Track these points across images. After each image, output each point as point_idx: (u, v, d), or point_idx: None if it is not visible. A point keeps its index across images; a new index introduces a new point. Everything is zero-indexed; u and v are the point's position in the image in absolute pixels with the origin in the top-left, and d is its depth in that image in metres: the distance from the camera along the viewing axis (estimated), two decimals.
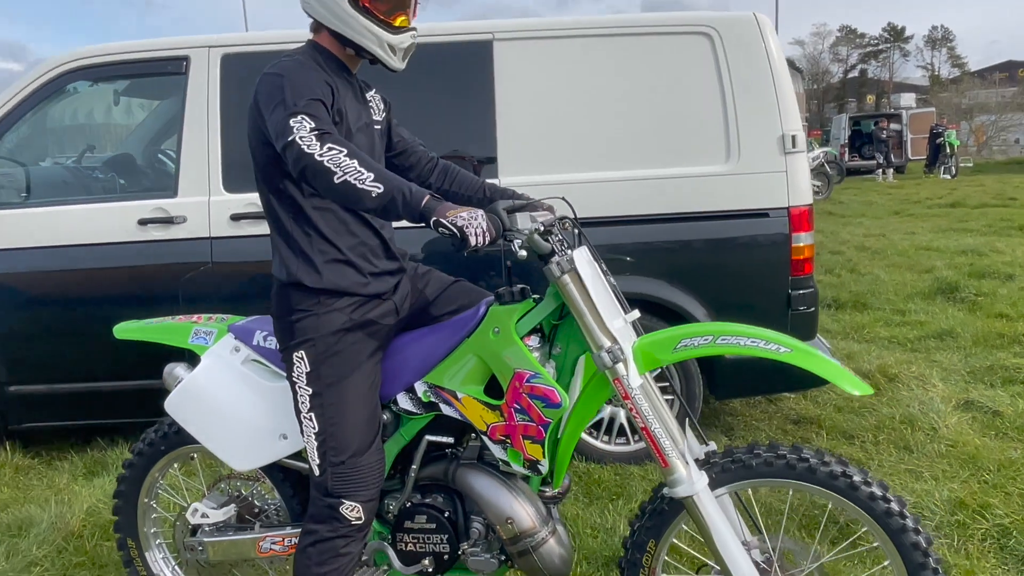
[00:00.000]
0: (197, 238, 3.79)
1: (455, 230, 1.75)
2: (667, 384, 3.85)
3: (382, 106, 2.34)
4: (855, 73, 79.71)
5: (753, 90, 3.78)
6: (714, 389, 3.99)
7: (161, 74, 3.91)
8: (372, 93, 2.32)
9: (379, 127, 2.28)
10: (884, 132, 24.28)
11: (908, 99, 34.08)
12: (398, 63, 2.13)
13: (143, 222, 3.80)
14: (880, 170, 23.64)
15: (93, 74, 3.90)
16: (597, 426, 3.92)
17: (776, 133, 3.76)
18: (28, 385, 3.94)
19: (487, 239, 1.79)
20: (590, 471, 3.72)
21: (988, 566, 2.80)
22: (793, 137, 3.76)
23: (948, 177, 22.78)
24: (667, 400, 2.17)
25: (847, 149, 26.16)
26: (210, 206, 3.78)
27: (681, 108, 3.81)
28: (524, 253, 1.85)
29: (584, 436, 3.87)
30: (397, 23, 2.09)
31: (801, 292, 3.81)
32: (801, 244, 3.79)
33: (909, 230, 11.86)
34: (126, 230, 3.81)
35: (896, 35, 78.38)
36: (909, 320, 6.29)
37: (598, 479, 3.65)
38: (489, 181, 2.51)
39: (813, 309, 3.87)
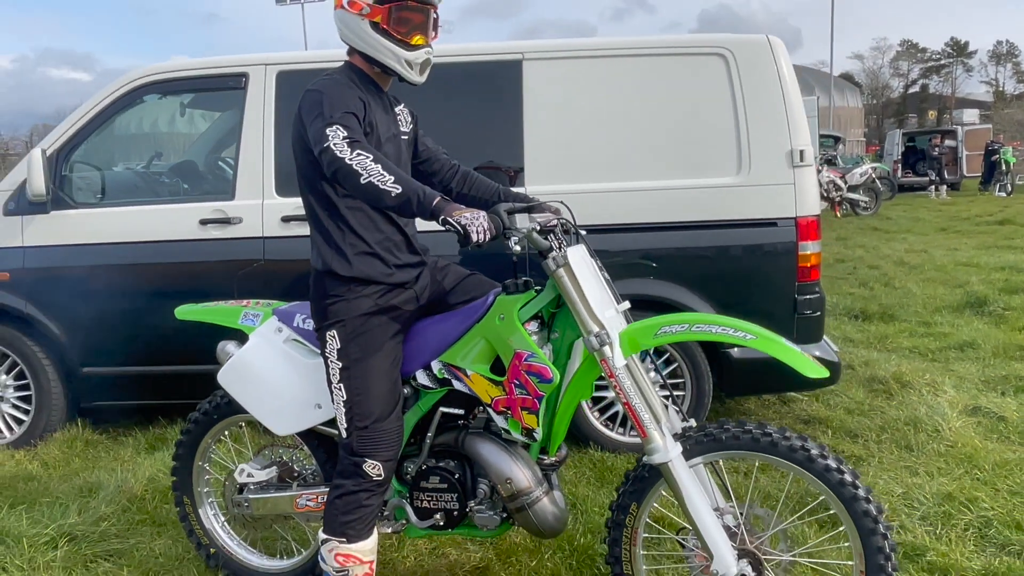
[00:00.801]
0: (251, 237, 4.19)
1: (459, 227, 2.07)
2: (680, 381, 4.14)
3: (409, 119, 2.68)
4: (916, 88, 78.42)
5: (764, 107, 4.04)
6: (724, 387, 4.24)
7: (222, 89, 4.34)
8: (400, 107, 2.65)
9: (406, 137, 2.61)
10: (937, 149, 24.01)
11: (971, 115, 33.48)
12: (416, 76, 2.46)
13: (204, 222, 4.20)
14: (933, 187, 23.38)
15: (162, 88, 4.34)
16: (613, 418, 4.20)
17: (785, 148, 4.01)
18: (99, 367, 4.37)
19: (487, 236, 2.10)
20: (604, 459, 4.00)
21: (965, 551, 3.00)
22: (801, 152, 4.01)
23: (1003, 195, 22.44)
24: (662, 394, 2.47)
25: (900, 165, 25.90)
26: (263, 208, 4.17)
27: (697, 123, 4.09)
28: (519, 249, 2.16)
29: (600, 427, 4.16)
30: (413, 42, 2.42)
31: (807, 297, 4.05)
32: (808, 252, 4.03)
33: (952, 246, 11.86)
34: (188, 229, 4.22)
35: (959, 50, 76.93)
36: (933, 332, 6.43)
37: (611, 466, 3.93)
38: (504, 187, 2.81)
39: (819, 314, 4.10)
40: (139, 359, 4.32)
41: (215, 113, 5.13)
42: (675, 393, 4.10)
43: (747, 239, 4.07)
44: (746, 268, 4.08)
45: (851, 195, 17.87)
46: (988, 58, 76.24)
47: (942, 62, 77.89)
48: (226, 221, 4.19)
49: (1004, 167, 23.14)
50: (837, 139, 26.32)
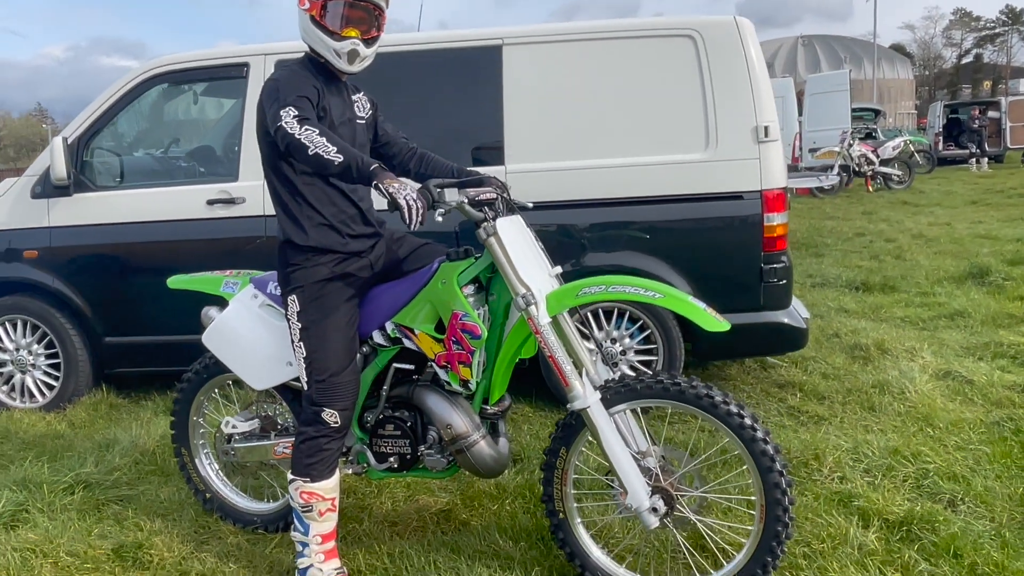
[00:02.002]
0: (254, 216, 4.52)
1: (388, 196, 2.35)
2: (653, 347, 4.38)
3: (368, 106, 2.95)
4: (969, 58, 76.37)
5: (731, 86, 4.24)
6: (697, 352, 4.48)
7: (227, 78, 4.68)
8: (359, 95, 2.93)
9: (362, 122, 2.89)
10: (977, 121, 23.53)
11: None
12: (345, 65, 2.71)
13: (211, 202, 4.55)
14: (974, 160, 22.97)
15: (171, 79, 4.70)
16: None
17: (751, 124, 4.21)
18: (120, 337, 4.77)
19: (416, 207, 2.35)
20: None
21: (897, 499, 3.21)
22: (766, 128, 4.20)
23: None
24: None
25: (942, 138, 25.44)
26: (264, 189, 4.47)
27: (667, 102, 4.30)
28: (440, 219, 2.41)
29: None
30: (344, 34, 2.67)
31: (773, 266, 4.25)
32: (773, 223, 4.24)
33: (977, 219, 11.80)
34: (197, 209, 4.57)
35: (1014, 17, 74.60)
36: (929, 302, 6.56)
37: None
38: (459, 166, 3.06)
39: (785, 281, 4.30)
40: (156, 329, 4.71)
41: (222, 100, 5.48)
42: (639, 350, 4.37)
43: (715, 212, 4.28)
44: (714, 239, 4.29)
45: (884, 169, 17.71)
46: None
47: (997, 31, 75.66)
48: (230, 201, 4.53)
49: None
50: (877, 112, 25.95)
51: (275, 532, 3.23)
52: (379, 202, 2.60)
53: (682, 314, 2.49)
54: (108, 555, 3.07)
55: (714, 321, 2.48)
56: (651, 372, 2.63)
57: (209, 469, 3.38)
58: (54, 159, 4.49)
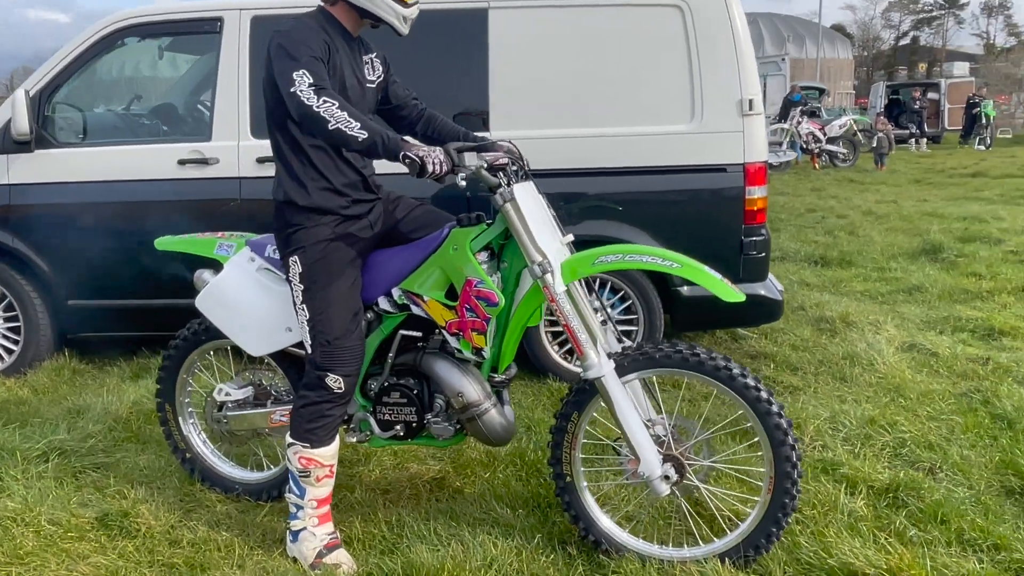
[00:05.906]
0: (228, 177, 4.39)
1: (417, 159, 2.31)
2: (634, 317, 4.40)
3: (380, 68, 2.85)
4: (907, 40, 78.04)
5: (717, 57, 4.24)
6: (676, 323, 4.52)
7: (199, 33, 4.50)
8: (371, 55, 2.83)
9: (372, 85, 2.80)
10: (918, 102, 24.15)
11: (961, 68, 33.32)
12: (405, 29, 2.65)
13: (182, 162, 4.40)
14: (913, 140, 23.59)
15: (141, 31, 4.50)
16: (571, 351, 4.47)
17: (736, 97, 4.23)
18: (84, 300, 4.60)
19: (442, 169, 2.33)
20: (560, 388, 4.28)
21: (878, 466, 3.30)
22: (750, 101, 4.23)
23: (982, 148, 22.68)
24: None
25: (884, 118, 26.02)
26: (239, 150, 4.36)
27: (652, 73, 4.29)
28: (463, 184, 2.39)
29: (558, 359, 4.44)
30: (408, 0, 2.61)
31: (753, 239, 4.30)
32: (754, 196, 4.28)
33: (922, 197, 12.15)
34: (167, 169, 4.41)
35: (951, 2, 76.39)
36: (886, 276, 6.74)
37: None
38: (466, 130, 3.00)
39: (764, 255, 4.36)
40: (121, 293, 4.54)
41: (194, 57, 5.28)
42: (620, 320, 4.38)
43: (698, 184, 4.30)
44: (697, 211, 4.32)
45: (830, 147, 18.06)
46: (980, 10, 75.80)
47: (934, 14, 77.41)
48: (203, 161, 4.38)
49: (984, 120, 23.37)
50: (822, 91, 26.40)
51: (257, 501, 3.16)
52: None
53: (700, 284, 2.50)
54: (92, 524, 2.97)
55: (731, 292, 2.50)
56: (668, 342, 2.62)
57: (193, 433, 3.28)
58: (16, 112, 4.27)
